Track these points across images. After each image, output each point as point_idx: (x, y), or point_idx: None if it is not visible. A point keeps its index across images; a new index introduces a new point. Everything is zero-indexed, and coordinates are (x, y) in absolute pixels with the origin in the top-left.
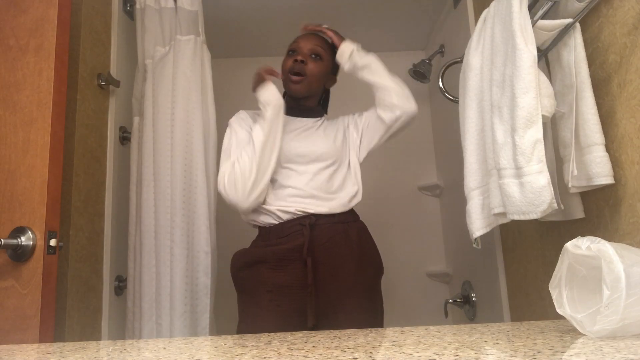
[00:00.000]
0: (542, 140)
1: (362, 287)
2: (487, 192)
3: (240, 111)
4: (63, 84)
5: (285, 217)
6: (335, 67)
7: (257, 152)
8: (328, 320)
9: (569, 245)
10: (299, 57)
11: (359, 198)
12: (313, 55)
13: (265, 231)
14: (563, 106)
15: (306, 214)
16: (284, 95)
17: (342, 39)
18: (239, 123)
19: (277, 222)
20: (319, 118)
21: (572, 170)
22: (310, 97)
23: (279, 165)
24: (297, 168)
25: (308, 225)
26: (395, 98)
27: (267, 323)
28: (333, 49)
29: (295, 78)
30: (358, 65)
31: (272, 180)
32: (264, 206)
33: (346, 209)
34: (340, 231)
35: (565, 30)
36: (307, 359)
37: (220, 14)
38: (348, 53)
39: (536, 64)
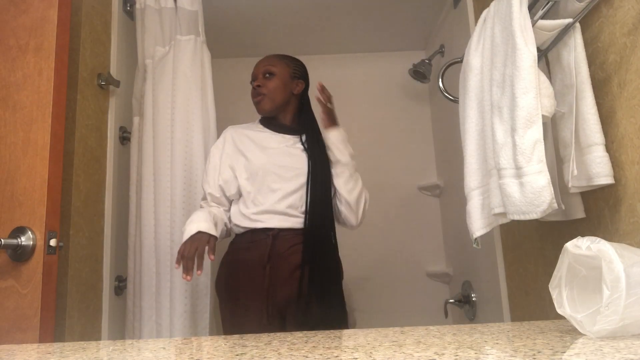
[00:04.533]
0: (542, 140)
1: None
2: (487, 192)
3: (229, 128)
4: (63, 84)
5: (254, 226)
6: (296, 72)
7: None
8: (284, 320)
9: (569, 245)
10: (255, 84)
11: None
12: (267, 75)
13: (239, 236)
14: (563, 106)
15: (272, 228)
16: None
17: (333, 123)
18: (221, 144)
19: (246, 231)
20: (298, 135)
21: (572, 170)
22: (281, 112)
23: (257, 178)
24: (273, 184)
25: (271, 235)
26: (346, 213)
27: (243, 327)
28: (287, 58)
29: (256, 99)
30: (337, 156)
31: (247, 193)
32: (237, 223)
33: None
34: (299, 241)
35: (565, 30)
36: (307, 359)
37: (220, 14)
38: (337, 139)
39: (536, 64)
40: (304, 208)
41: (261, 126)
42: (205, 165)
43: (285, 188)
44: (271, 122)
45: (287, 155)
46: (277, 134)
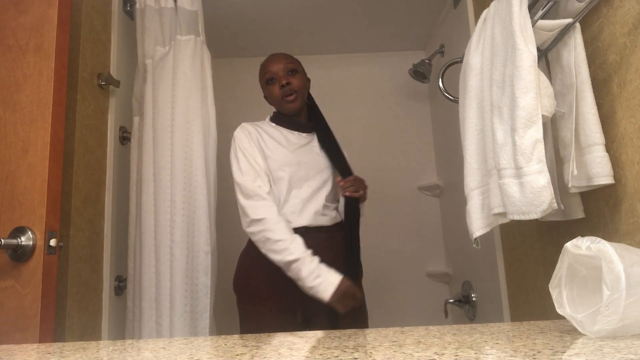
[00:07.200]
0: (542, 140)
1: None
2: (487, 192)
3: (243, 124)
4: (63, 84)
5: None
6: (304, 69)
7: (282, 259)
8: (317, 316)
9: (569, 245)
10: (283, 82)
11: (340, 217)
12: (290, 72)
13: None
14: (563, 106)
15: (298, 227)
16: (277, 114)
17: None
18: (245, 136)
19: None
20: (312, 133)
21: (572, 170)
22: (301, 109)
23: (280, 174)
24: (297, 183)
25: (299, 234)
26: None
27: (265, 327)
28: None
29: (289, 97)
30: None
31: (271, 192)
32: None
33: (331, 223)
34: (326, 238)
35: (565, 30)
36: (307, 359)
37: (220, 14)
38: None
39: (536, 64)
40: (330, 206)
41: (273, 124)
42: (237, 162)
43: (311, 185)
44: (287, 120)
45: (307, 152)
46: (292, 132)
